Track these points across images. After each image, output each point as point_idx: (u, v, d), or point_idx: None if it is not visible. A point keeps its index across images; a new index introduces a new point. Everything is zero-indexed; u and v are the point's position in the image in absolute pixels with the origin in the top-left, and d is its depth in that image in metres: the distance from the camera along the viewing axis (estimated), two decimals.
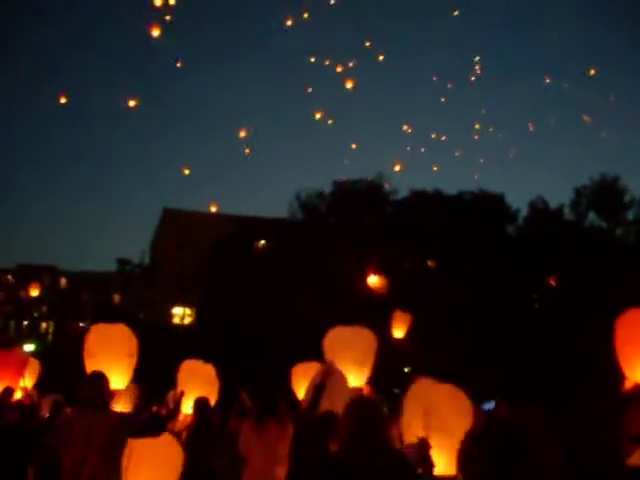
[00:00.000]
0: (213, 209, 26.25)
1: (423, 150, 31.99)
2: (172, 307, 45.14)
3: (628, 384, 6.50)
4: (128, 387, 8.04)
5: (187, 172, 21.59)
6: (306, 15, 19.65)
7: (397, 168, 24.18)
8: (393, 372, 16.56)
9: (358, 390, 7.05)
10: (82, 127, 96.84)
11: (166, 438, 6.21)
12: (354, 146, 21.80)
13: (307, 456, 5.68)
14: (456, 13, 27.43)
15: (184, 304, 44.28)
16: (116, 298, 48.81)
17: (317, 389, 5.69)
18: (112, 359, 7.39)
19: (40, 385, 10.94)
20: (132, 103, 17.31)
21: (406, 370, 21.37)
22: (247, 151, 20.06)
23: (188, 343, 24.66)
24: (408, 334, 18.36)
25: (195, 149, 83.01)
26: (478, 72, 21.36)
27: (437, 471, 6.06)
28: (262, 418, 8.01)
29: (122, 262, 52.66)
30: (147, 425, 6.01)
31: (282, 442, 7.75)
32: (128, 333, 7.81)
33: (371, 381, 7.88)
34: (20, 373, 9.28)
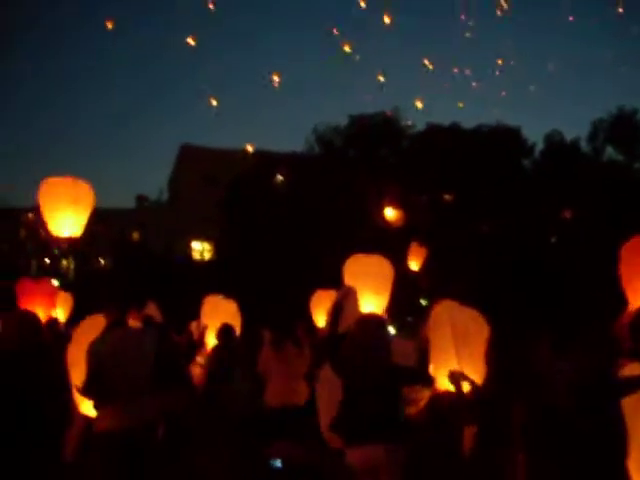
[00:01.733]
0: (250, 149, 26.45)
1: (445, 85, 31.47)
2: (191, 243, 45.59)
3: (631, 307, 6.65)
4: (149, 307, 8.38)
5: (215, 103, 20.99)
6: None
7: (419, 104, 23.80)
8: (408, 304, 16.85)
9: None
10: (105, 58, 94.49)
11: None
12: (381, 78, 21.14)
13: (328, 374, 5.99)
14: None
15: (203, 240, 44.73)
16: (135, 235, 49.17)
17: (335, 308, 5.97)
18: (60, 208, 8.78)
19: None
20: (191, 42, 16.80)
21: (423, 303, 21.66)
22: (276, 84, 19.72)
23: (208, 278, 25.09)
24: (424, 267, 18.63)
25: (219, 85, 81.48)
26: (505, 7, 20.76)
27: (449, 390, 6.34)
28: (280, 341, 8.36)
29: (140, 199, 53.01)
30: None
31: (300, 360, 8.09)
32: (74, 183, 8.81)
33: (387, 310, 8.05)
34: (51, 303, 9.54)
